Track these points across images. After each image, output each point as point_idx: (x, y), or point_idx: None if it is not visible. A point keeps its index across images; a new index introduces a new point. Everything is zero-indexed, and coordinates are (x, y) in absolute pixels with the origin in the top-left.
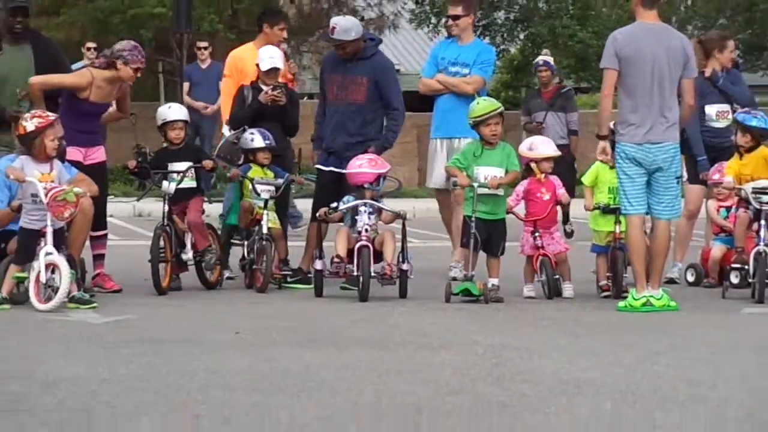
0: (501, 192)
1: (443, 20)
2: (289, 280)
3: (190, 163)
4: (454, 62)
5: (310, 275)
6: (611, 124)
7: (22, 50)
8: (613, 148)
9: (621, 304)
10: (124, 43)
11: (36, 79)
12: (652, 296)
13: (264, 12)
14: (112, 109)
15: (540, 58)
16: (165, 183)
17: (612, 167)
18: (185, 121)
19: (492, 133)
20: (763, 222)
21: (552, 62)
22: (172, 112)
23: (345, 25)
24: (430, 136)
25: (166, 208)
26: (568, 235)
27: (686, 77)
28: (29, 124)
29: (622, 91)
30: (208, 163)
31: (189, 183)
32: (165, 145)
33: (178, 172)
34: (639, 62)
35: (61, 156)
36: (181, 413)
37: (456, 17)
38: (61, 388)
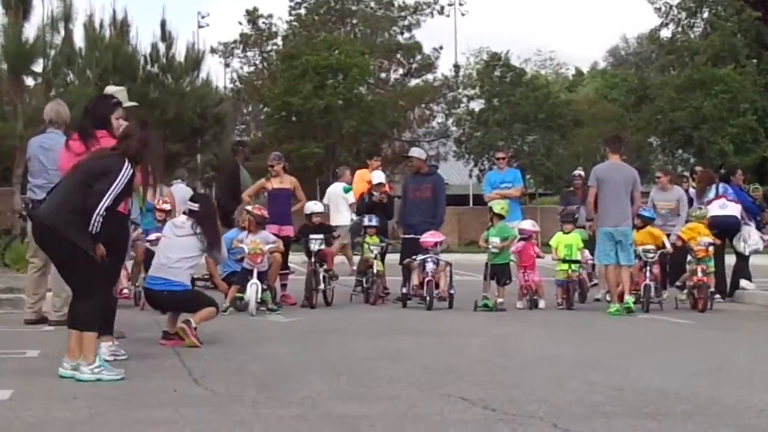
0: (497, 250)
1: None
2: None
3: (322, 236)
4: (501, 182)
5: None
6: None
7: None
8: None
9: (609, 310)
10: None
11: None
12: (626, 302)
13: (369, 153)
14: (298, 206)
15: (576, 172)
16: (311, 245)
17: (566, 233)
18: (321, 212)
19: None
20: (647, 268)
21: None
22: (315, 207)
23: (415, 150)
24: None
25: (312, 258)
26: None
27: (635, 191)
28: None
29: (599, 198)
30: (335, 234)
31: (321, 246)
32: (308, 224)
33: (311, 240)
34: (607, 183)
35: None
36: (328, 370)
37: (503, 158)
38: (265, 359)
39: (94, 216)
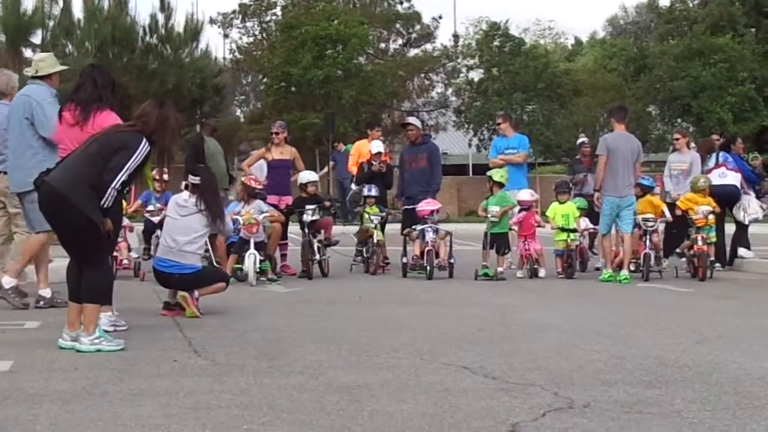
0: (496, 219)
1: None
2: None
3: (315, 206)
4: (507, 147)
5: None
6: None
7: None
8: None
9: (600, 277)
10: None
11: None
12: (623, 275)
13: (369, 123)
14: (296, 176)
15: (581, 140)
16: (305, 216)
17: (561, 203)
18: (315, 182)
19: (491, 188)
20: (647, 237)
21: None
22: (310, 176)
23: (412, 118)
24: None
25: (306, 229)
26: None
27: (638, 162)
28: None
29: (607, 168)
30: (326, 204)
31: (316, 216)
32: (302, 194)
33: (305, 210)
34: (616, 152)
35: (262, 198)
36: (329, 340)
37: (499, 124)
38: (266, 329)
39: (109, 190)
